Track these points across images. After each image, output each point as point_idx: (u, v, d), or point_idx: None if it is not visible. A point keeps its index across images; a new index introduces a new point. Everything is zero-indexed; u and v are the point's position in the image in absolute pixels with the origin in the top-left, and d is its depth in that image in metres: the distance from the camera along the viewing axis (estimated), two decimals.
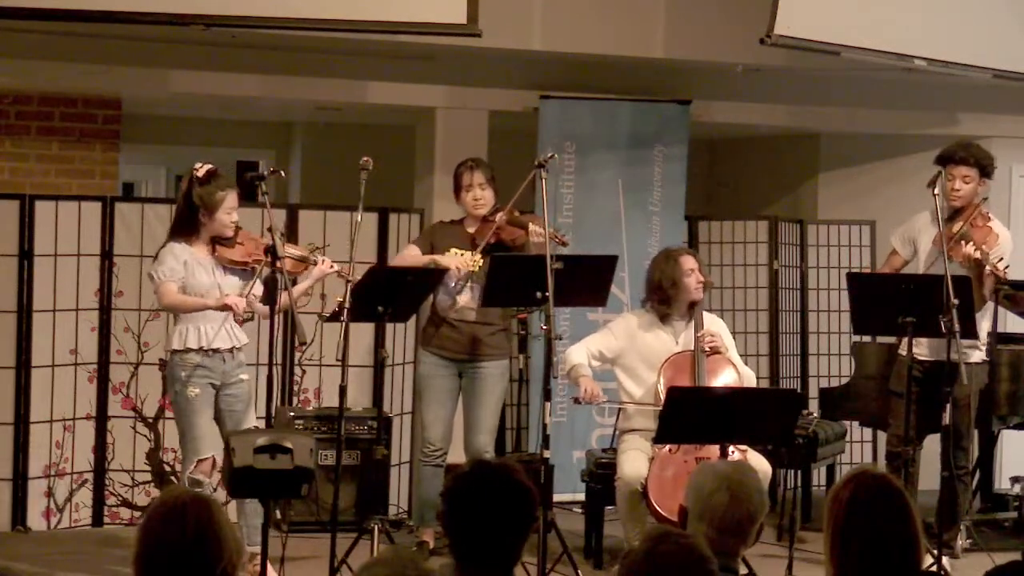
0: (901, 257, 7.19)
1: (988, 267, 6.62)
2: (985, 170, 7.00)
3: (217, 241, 6.33)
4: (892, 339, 7.23)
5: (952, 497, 6.95)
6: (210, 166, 6.35)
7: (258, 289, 6.36)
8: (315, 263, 6.45)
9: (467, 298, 6.92)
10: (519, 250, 6.88)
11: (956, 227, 6.85)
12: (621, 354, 6.81)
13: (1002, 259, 6.73)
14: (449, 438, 6.99)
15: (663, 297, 6.79)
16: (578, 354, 6.79)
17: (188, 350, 6.28)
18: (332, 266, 6.46)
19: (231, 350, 6.35)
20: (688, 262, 6.79)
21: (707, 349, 6.68)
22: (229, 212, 6.32)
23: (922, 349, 6.94)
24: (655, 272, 6.86)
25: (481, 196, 6.94)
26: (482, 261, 6.82)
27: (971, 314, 6.54)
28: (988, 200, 7.10)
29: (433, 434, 6.95)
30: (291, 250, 6.44)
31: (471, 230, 6.97)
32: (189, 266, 6.29)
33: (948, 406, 6.54)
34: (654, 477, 6.41)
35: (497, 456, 7.30)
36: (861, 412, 8.00)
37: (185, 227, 6.34)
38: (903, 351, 6.99)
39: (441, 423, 6.96)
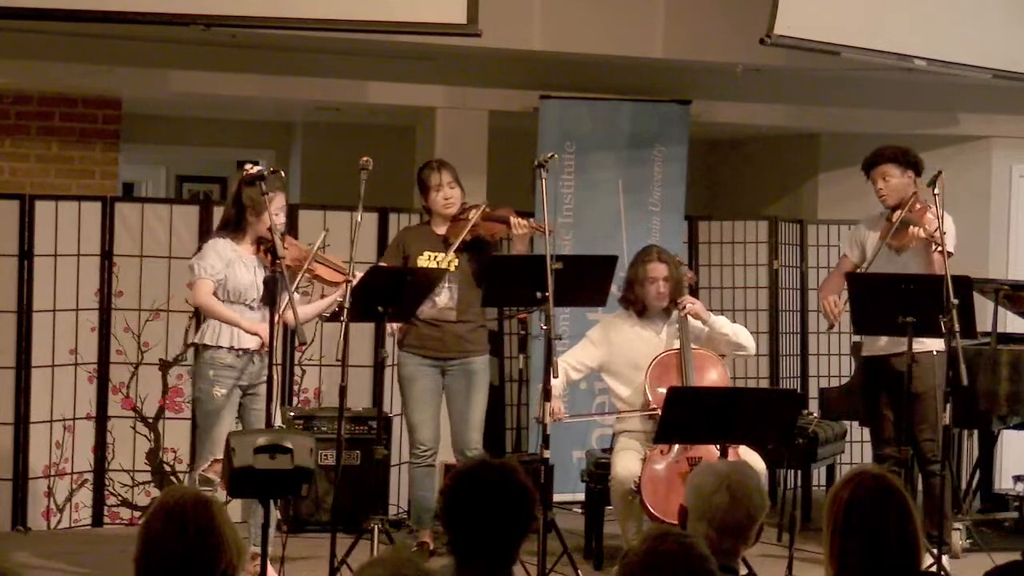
0: (850, 260, 7.22)
1: (932, 242, 6.64)
2: (899, 160, 6.98)
3: (262, 242, 6.35)
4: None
5: (933, 491, 6.95)
6: (261, 167, 6.38)
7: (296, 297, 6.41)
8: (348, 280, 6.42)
9: (446, 298, 6.91)
10: (498, 246, 6.87)
11: (895, 216, 6.90)
12: (605, 360, 6.81)
13: (944, 234, 6.72)
14: (438, 437, 6.98)
15: (628, 295, 6.82)
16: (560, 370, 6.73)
17: (219, 347, 6.29)
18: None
19: (260, 351, 6.35)
20: (655, 270, 6.73)
21: (686, 315, 6.67)
22: (276, 214, 6.33)
23: (879, 345, 6.99)
24: (628, 268, 6.89)
25: (451, 195, 6.93)
26: (457, 260, 6.83)
27: (971, 314, 6.55)
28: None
29: (423, 435, 6.93)
30: (331, 259, 6.47)
31: (440, 231, 6.96)
32: (232, 264, 6.31)
33: (948, 404, 6.53)
34: (647, 479, 6.40)
35: (492, 455, 7.30)
36: (861, 412, 7.99)
37: (232, 226, 6.37)
38: (865, 353, 7.12)
39: (429, 423, 6.95)
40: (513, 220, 6.78)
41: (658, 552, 3.10)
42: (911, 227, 6.73)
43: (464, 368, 6.95)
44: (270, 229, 6.07)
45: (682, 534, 3.22)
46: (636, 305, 6.81)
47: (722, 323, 6.81)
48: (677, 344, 6.72)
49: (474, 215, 6.84)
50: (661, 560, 3.09)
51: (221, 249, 6.33)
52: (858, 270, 7.08)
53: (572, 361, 6.80)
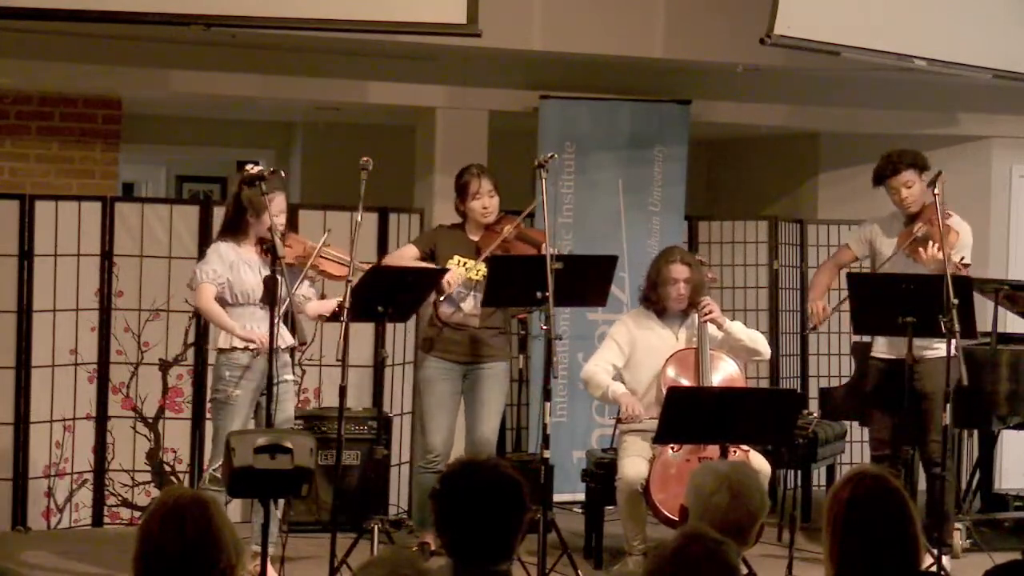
0: (852, 252, 7.27)
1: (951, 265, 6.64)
2: (918, 165, 6.99)
3: (263, 243, 6.34)
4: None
5: (936, 492, 6.94)
6: (260, 168, 6.39)
7: (307, 291, 6.49)
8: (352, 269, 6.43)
9: (471, 305, 6.91)
10: None
11: (916, 227, 6.88)
12: (628, 360, 6.82)
13: (963, 257, 6.76)
14: (451, 443, 6.97)
15: (649, 295, 6.82)
16: (601, 374, 6.75)
17: (234, 349, 6.29)
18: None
19: (276, 351, 6.34)
20: (676, 271, 6.75)
21: (704, 318, 6.69)
22: (276, 215, 6.33)
23: (883, 347, 6.99)
24: (650, 267, 6.90)
25: (489, 204, 6.91)
26: (485, 270, 6.83)
27: (971, 314, 6.54)
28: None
29: (434, 441, 6.92)
30: (337, 253, 6.47)
31: (475, 238, 6.95)
32: (235, 267, 6.31)
33: (948, 404, 6.53)
34: (657, 477, 6.41)
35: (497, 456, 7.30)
36: (861, 412, 7.99)
37: (233, 228, 6.38)
38: (877, 354, 7.07)
39: (444, 429, 6.94)
40: (544, 248, 6.80)
41: (686, 553, 3.06)
42: (929, 244, 6.68)
43: (485, 372, 6.95)
44: (270, 229, 6.07)
45: (716, 539, 3.13)
46: (656, 305, 6.82)
47: (738, 329, 6.82)
48: (694, 344, 6.74)
49: (508, 231, 6.83)
50: (688, 562, 3.05)
51: (224, 252, 6.33)
52: (860, 268, 7.08)
53: (603, 364, 6.79)
